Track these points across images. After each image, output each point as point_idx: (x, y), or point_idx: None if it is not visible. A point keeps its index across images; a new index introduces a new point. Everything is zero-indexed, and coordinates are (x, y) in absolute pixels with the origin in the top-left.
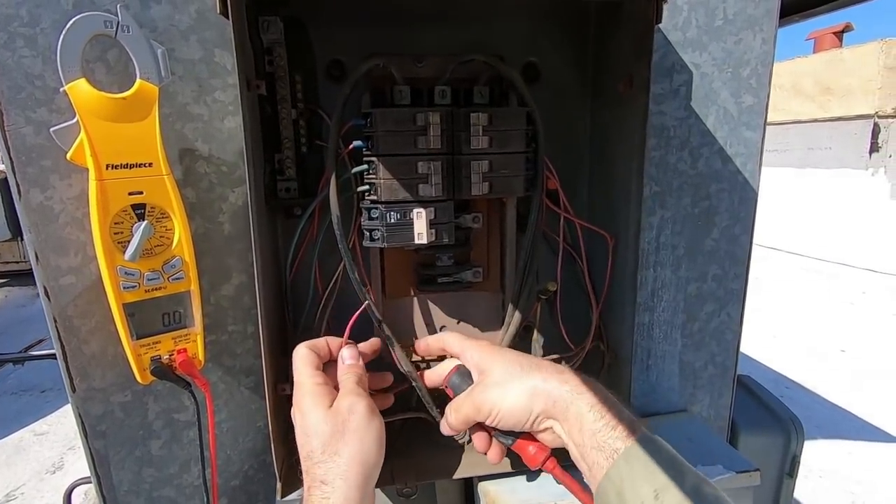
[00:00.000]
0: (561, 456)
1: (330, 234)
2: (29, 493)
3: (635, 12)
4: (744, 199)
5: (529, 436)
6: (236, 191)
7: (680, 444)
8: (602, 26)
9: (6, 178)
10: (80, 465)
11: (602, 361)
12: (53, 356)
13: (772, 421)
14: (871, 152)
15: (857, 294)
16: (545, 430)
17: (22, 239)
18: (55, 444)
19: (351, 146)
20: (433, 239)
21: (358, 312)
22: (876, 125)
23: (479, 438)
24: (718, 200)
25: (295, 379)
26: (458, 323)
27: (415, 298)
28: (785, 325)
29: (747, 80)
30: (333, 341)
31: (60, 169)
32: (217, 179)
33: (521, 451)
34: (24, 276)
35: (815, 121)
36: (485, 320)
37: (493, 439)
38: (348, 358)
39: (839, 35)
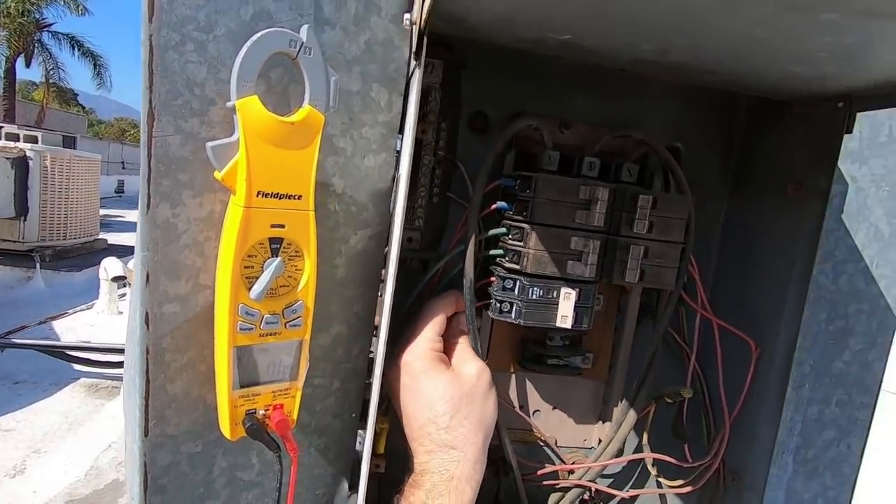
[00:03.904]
0: None
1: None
2: None
3: (813, 116)
4: (883, 324)
5: None
6: (359, 233)
7: None
8: (758, 121)
9: (24, 157)
10: (42, 472)
11: (718, 482)
12: (34, 347)
13: None
14: None
15: None
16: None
17: (25, 219)
18: (20, 443)
19: (494, 206)
20: (574, 323)
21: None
22: None
23: None
24: (856, 321)
25: (416, 339)
26: (553, 409)
27: (513, 375)
28: None
29: None
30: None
31: (195, 185)
32: (344, 219)
33: None
34: (19, 257)
35: None
36: (582, 410)
37: None
38: (465, 325)
39: None
